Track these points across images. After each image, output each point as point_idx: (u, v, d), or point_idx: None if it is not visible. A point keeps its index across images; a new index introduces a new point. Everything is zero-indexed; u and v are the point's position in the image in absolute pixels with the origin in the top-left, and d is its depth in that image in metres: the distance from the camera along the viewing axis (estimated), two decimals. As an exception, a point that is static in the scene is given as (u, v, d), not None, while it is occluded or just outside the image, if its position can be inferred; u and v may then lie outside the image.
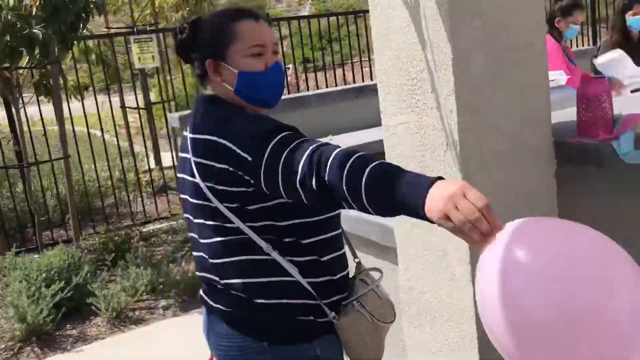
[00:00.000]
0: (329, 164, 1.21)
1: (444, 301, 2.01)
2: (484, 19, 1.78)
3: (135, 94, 6.15)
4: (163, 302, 4.15)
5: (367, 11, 7.30)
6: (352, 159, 1.20)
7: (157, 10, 7.12)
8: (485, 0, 1.77)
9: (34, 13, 3.95)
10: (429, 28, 1.79)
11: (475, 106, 1.79)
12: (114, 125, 6.31)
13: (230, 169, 1.37)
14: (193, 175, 1.44)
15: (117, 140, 5.89)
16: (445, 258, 1.95)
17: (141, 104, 7.41)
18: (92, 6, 4.19)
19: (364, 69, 7.60)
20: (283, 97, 1.62)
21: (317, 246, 1.48)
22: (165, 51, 6.54)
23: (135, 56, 5.33)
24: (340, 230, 1.58)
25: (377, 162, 1.20)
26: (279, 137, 1.32)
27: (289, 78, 11.25)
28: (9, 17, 3.76)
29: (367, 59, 7.60)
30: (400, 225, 2.14)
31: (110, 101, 5.62)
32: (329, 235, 1.52)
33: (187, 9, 7.30)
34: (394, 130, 2.04)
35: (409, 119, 1.95)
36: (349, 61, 8.29)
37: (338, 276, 1.53)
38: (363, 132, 4.75)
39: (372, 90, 5.32)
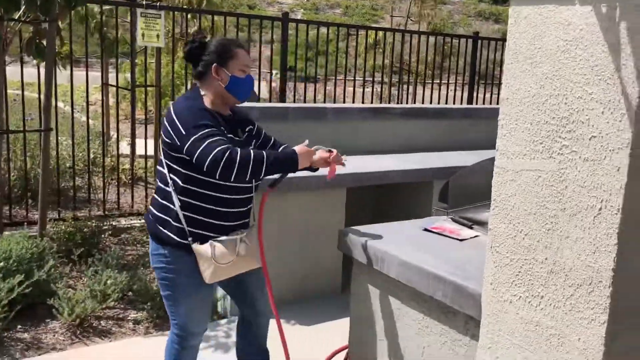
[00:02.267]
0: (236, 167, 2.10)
1: (543, 399, 1.60)
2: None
3: (117, 72, 5.55)
4: (134, 314, 3.61)
5: (364, 27, 6.90)
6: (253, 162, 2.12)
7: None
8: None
9: (41, -40, 3.41)
10: (601, 59, 1.40)
11: (648, 167, 1.40)
12: (87, 103, 5.72)
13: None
14: None
15: (88, 120, 5.30)
16: (563, 343, 1.54)
17: (122, 83, 6.84)
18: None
19: (352, 87, 7.20)
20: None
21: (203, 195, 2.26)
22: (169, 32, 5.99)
23: (140, 32, 4.79)
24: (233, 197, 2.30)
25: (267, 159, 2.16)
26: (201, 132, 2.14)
27: (273, 84, 10.75)
28: (14, -40, 3.21)
29: (352, 78, 7.17)
30: (492, 292, 1.72)
31: (87, 76, 5.04)
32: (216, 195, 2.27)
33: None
34: (515, 176, 1.63)
35: (544, 167, 1.55)
36: (339, 77, 7.79)
37: (213, 221, 2.27)
38: (383, 158, 4.35)
39: (391, 113, 4.96)
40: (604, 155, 1.41)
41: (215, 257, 2.22)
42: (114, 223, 4.77)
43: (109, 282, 3.53)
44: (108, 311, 3.57)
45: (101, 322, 3.48)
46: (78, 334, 3.33)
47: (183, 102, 2.26)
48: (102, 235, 4.44)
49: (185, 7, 6.64)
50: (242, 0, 21.17)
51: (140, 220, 5.01)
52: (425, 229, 2.57)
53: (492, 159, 1.73)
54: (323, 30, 5.97)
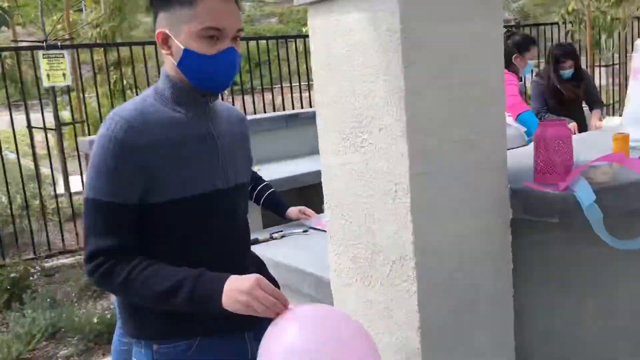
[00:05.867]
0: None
1: (387, 368, 1.76)
2: (437, 50, 1.57)
3: (42, 113, 5.58)
4: (64, 351, 3.67)
5: (298, 36, 7.03)
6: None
7: (71, 24, 6.59)
8: (440, 27, 1.56)
9: None
10: (377, 59, 1.56)
11: (428, 149, 1.57)
12: (16, 146, 5.74)
13: None
14: None
15: (19, 162, 5.32)
16: (391, 315, 1.70)
17: (51, 124, 6.85)
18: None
19: (294, 94, 7.32)
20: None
21: None
22: (79, 68, 6.05)
23: (44, 73, 4.85)
24: None
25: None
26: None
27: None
28: None
29: (297, 83, 7.32)
30: (337, 278, 1.88)
31: (12, 119, 5.08)
32: None
33: (110, 24, 6.78)
34: (335, 171, 1.79)
35: (353, 159, 1.71)
36: (278, 85, 7.89)
37: None
38: (294, 163, 4.49)
39: (304, 117, 5.10)
40: (391, 143, 1.57)
41: None
42: (45, 265, 4.82)
43: (33, 322, 3.60)
44: (37, 352, 3.63)
45: (30, 363, 3.55)
46: (7, 379, 3.39)
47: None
48: (32, 277, 4.48)
49: (93, 42, 6.70)
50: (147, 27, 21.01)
51: (75, 257, 5.05)
52: (312, 227, 2.73)
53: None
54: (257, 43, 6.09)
